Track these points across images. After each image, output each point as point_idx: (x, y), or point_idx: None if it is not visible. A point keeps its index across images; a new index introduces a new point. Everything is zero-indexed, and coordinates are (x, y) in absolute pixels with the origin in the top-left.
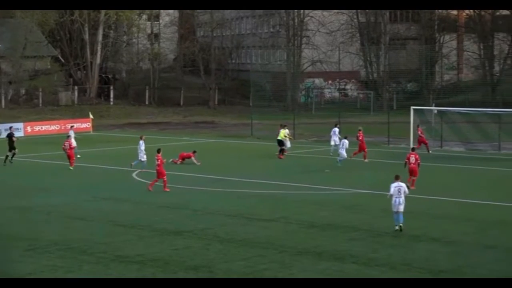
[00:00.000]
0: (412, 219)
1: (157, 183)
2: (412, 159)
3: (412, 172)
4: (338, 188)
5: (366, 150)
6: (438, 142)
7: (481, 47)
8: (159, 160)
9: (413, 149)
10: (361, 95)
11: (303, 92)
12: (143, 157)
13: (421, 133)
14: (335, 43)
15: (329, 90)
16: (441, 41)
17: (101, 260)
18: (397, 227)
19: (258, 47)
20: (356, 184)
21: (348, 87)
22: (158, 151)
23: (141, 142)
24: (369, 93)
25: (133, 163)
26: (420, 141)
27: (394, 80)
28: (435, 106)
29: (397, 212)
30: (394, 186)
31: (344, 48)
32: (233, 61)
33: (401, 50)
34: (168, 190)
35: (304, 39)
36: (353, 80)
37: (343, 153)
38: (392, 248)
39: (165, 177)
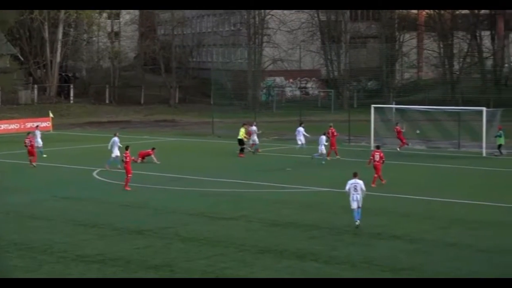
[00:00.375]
0: (374, 216)
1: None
2: (377, 157)
3: (376, 169)
4: (299, 186)
5: (334, 147)
6: (399, 140)
7: (441, 46)
8: (128, 157)
9: (378, 147)
10: (321, 94)
11: (264, 91)
12: (117, 153)
13: (399, 130)
14: (296, 41)
15: (290, 89)
16: (401, 39)
17: (61, 260)
18: (357, 223)
19: (219, 45)
20: (317, 182)
21: (309, 85)
22: (127, 148)
23: (116, 139)
24: (329, 92)
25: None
26: (399, 138)
27: (355, 79)
28: (396, 104)
29: (355, 209)
30: (351, 183)
31: (305, 47)
32: (194, 60)
33: (362, 49)
34: (129, 189)
35: (265, 37)
36: (314, 78)
37: (322, 149)
38: (353, 246)
39: (130, 175)
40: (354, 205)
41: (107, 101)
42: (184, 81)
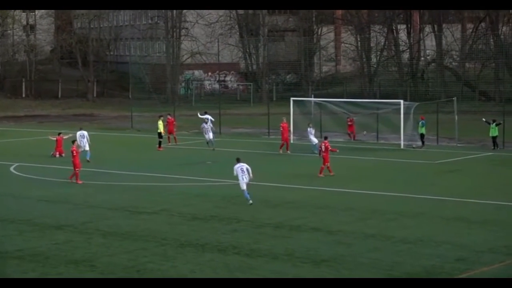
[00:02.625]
0: (294, 209)
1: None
2: (323, 147)
3: (323, 160)
4: (220, 180)
5: (287, 141)
6: (319, 133)
7: (358, 39)
8: (74, 152)
9: (325, 138)
10: (241, 87)
11: (183, 84)
12: (86, 146)
13: (351, 122)
14: (214, 35)
15: (209, 82)
16: (319, 33)
17: None
18: (250, 202)
19: (136, 38)
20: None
21: (228, 78)
22: (73, 142)
23: (85, 132)
24: (249, 85)
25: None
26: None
27: (274, 72)
28: (314, 97)
29: (245, 190)
30: (237, 167)
31: (223, 40)
32: (112, 53)
33: (280, 42)
34: (80, 182)
35: (183, 30)
36: (232, 72)
37: (314, 139)
38: (274, 238)
39: (78, 169)
40: (243, 186)
41: (23, 95)
42: (102, 75)
